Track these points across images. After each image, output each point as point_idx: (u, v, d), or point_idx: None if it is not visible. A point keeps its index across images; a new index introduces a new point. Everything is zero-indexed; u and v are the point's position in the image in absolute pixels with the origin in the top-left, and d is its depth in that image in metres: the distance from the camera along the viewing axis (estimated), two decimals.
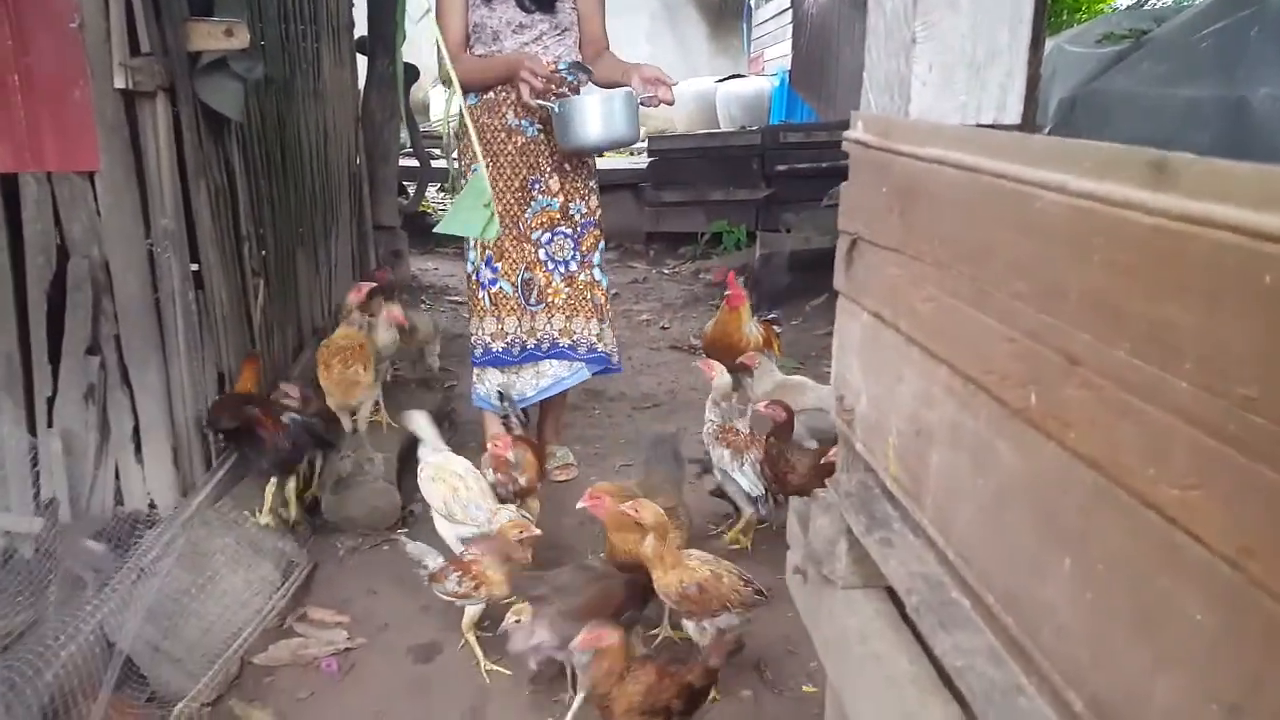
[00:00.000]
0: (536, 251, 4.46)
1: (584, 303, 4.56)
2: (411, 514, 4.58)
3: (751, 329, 5.14)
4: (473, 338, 4.59)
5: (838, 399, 2.02)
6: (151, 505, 3.99)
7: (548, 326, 4.54)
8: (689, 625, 3.17)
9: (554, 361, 4.57)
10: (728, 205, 10.33)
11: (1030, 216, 1.29)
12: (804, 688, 3.35)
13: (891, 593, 1.80)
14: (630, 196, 10.79)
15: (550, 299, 4.49)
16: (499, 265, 4.47)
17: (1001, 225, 1.36)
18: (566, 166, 4.45)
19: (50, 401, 3.89)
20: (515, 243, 4.45)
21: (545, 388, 4.60)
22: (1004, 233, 1.35)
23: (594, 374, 4.73)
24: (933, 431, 1.57)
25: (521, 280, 4.47)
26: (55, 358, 3.86)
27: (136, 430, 4.00)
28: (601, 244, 4.65)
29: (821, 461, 3.61)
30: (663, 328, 8.07)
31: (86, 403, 3.95)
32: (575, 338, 4.55)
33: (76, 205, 3.70)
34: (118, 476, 3.98)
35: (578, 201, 4.49)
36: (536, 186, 4.42)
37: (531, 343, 4.53)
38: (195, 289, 4.07)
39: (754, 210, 10.29)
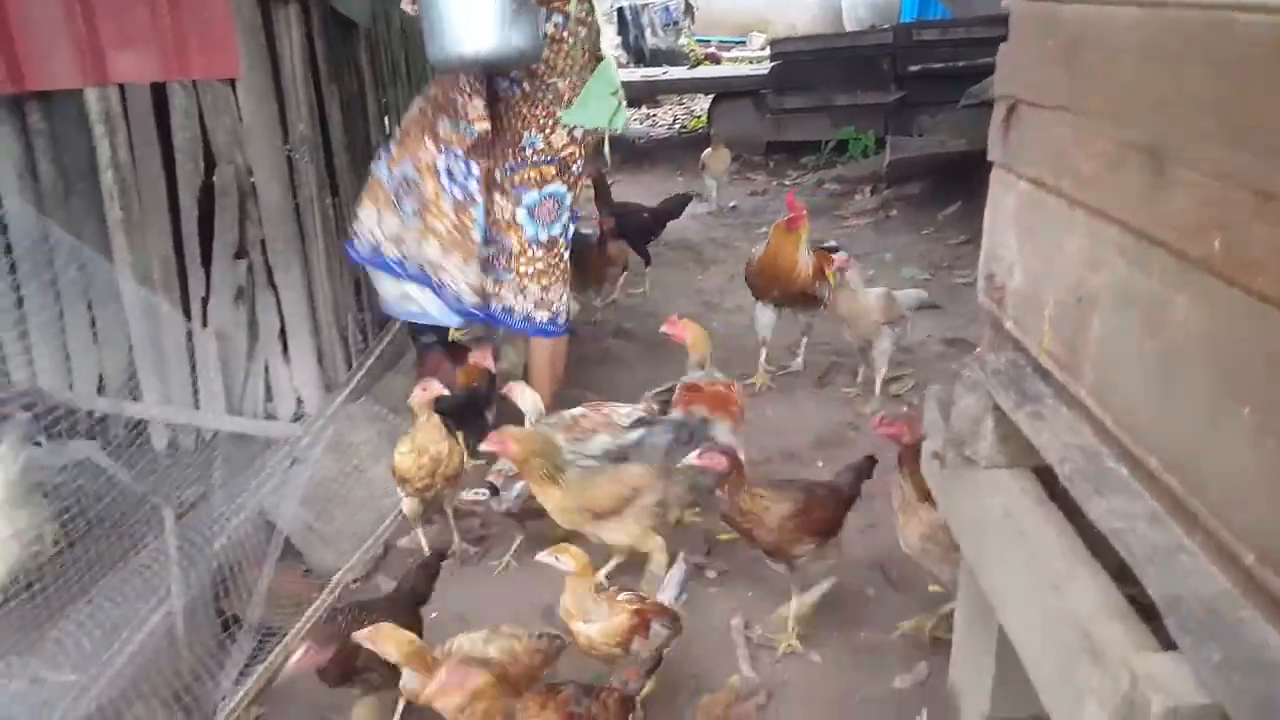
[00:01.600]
0: (435, 160, 3.70)
1: (466, 241, 3.74)
2: None
3: (805, 256, 4.63)
4: (358, 223, 3.84)
5: (987, 278, 1.93)
6: (299, 401, 4.21)
7: (419, 249, 3.78)
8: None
9: (423, 288, 3.84)
10: (855, 110, 9.92)
11: (1224, 45, 1.18)
12: (930, 586, 3.31)
13: (1036, 472, 1.74)
14: (749, 104, 10.49)
15: (429, 219, 3.74)
16: (392, 148, 3.79)
17: (1189, 60, 1.24)
18: (518, 89, 3.69)
19: (204, 303, 4.13)
20: (417, 138, 3.73)
21: (410, 312, 3.94)
22: (1191, 68, 1.24)
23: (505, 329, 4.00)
24: (1096, 297, 1.48)
25: (402, 175, 3.73)
26: (206, 261, 4.08)
27: (283, 331, 4.20)
28: (556, 191, 3.81)
29: (797, 511, 2.86)
30: (731, 207, 7.91)
31: (236, 304, 4.17)
32: (443, 275, 3.78)
33: (220, 112, 3.85)
34: (267, 373, 4.21)
35: (533, 132, 3.72)
36: (455, 105, 3.67)
37: (402, 258, 3.82)
38: (331, 195, 4.20)
39: (883, 115, 9.86)
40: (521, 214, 3.77)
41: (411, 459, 3.29)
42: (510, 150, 3.75)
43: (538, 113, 3.69)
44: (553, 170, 3.76)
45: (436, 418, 3.36)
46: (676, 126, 13.11)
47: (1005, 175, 1.88)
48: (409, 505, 3.44)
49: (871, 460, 3.14)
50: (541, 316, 3.92)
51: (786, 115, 10.43)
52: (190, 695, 2.66)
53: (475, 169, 3.68)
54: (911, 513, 2.72)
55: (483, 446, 3.07)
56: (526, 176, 3.75)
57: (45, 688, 2.21)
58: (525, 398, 3.64)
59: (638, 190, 9.84)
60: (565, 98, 3.68)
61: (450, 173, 3.69)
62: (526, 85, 3.68)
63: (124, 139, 3.81)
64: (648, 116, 13.80)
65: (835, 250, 4.88)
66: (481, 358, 3.97)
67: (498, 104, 3.72)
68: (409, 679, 2.29)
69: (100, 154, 3.78)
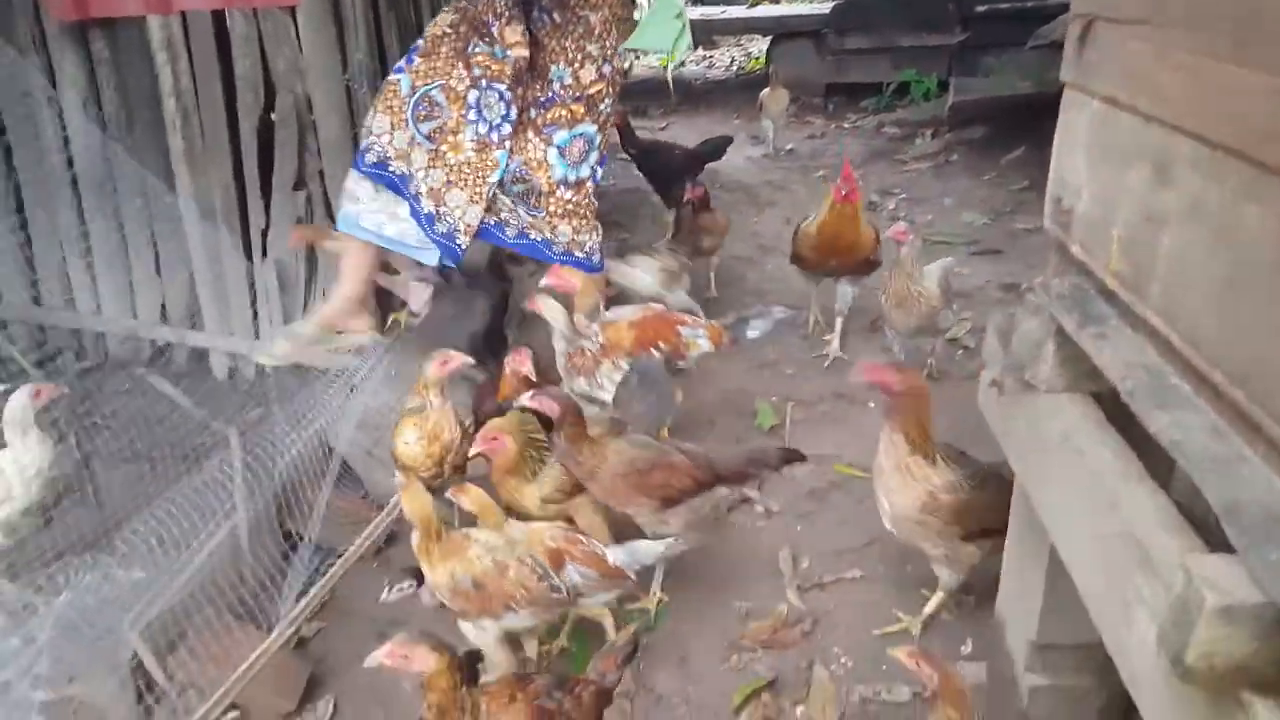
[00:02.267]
0: (468, 93, 3.51)
1: (479, 181, 3.56)
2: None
3: (866, 226, 4.32)
4: (368, 133, 3.59)
5: (1054, 201, 1.89)
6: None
7: (424, 174, 3.56)
8: (465, 626, 2.50)
9: (411, 216, 3.63)
10: (917, 52, 9.64)
11: None
12: None
13: (1096, 397, 1.72)
14: (809, 45, 10.25)
15: (443, 148, 3.55)
16: (416, 60, 3.55)
17: None
18: (548, 19, 3.57)
19: (263, 234, 4.20)
20: (449, 59, 3.52)
21: (390, 238, 3.67)
22: None
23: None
24: (1166, 214, 1.44)
25: (426, 94, 3.53)
26: (266, 192, 4.15)
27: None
28: (586, 131, 3.63)
29: (633, 471, 2.68)
30: (787, 150, 7.78)
31: None
32: (440, 208, 3.59)
33: (280, 41, 3.88)
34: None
35: (561, 66, 3.58)
36: (490, 29, 3.54)
37: (408, 175, 3.59)
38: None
39: (947, 57, 9.56)
40: (552, 154, 3.62)
41: (420, 448, 2.93)
42: (540, 84, 3.60)
43: (567, 45, 3.55)
44: (582, 109, 3.60)
45: (449, 402, 3.02)
46: (734, 69, 12.89)
47: (1078, 96, 1.83)
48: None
49: (787, 455, 2.86)
50: (578, 253, 3.80)
51: (847, 56, 10.17)
52: (254, 605, 2.77)
53: (513, 110, 3.53)
54: (906, 475, 2.38)
55: (473, 450, 2.81)
56: (558, 115, 3.60)
57: (116, 583, 2.33)
58: (550, 308, 3.49)
59: (693, 133, 9.73)
60: (596, 32, 3.56)
61: (480, 108, 3.52)
62: (557, 16, 3.55)
63: (185, 67, 3.87)
64: (704, 58, 13.58)
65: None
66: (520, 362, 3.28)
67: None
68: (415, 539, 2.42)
69: (163, 82, 3.84)
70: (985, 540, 2.46)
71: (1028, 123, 7.48)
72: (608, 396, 3.41)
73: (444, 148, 3.54)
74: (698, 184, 5.16)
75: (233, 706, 2.53)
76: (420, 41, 3.55)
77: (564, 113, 3.59)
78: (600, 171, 3.77)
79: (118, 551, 2.36)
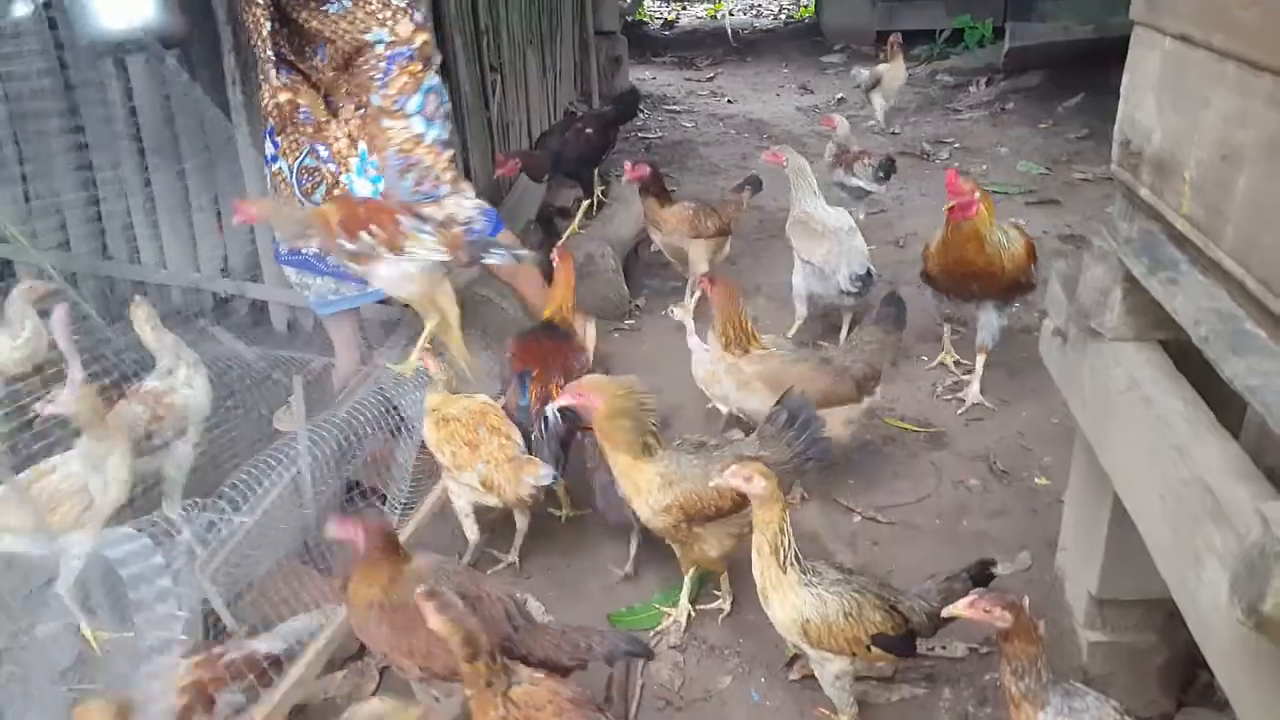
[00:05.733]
0: (332, 140, 3.35)
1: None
2: (637, 308, 4.72)
3: (1002, 239, 3.47)
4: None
5: (1121, 145, 1.84)
6: None
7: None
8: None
9: (340, 280, 3.41)
10: None
11: None
12: (1036, 479, 3.27)
13: (1163, 345, 1.69)
14: None
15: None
16: (279, 140, 3.40)
17: None
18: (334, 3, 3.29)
19: None
20: (299, 122, 3.36)
21: (343, 298, 3.48)
22: None
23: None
24: (1243, 154, 1.40)
25: (299, 166, 3.38)
26: None
27: None
28: (433, 85, 3.41)
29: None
30: (892, 133, 7.62)
31: None
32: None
33: None
34: None
35: (375, 29, 3.28)
36: (279, 68, 3.34)
37: (321, 251, 3.32)
38: (443, 78, 4.22)
39: (1002, 1, 9.30)
40: (417, 122, 3.35)
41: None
42: (366, 62, 3.30)
43: (371, 6, 3.24)
44: (418, 66, 3.32)
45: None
46: (783, 16, 12.65)
47: (1148, 34, 1.77)
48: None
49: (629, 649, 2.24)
50: (491, 210, 3.60)
51: (899, 3, 9.95)
52: (317, 551, 2.86)
53: (324, 150, 3.34)
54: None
55: (557, 402, 2.61)
56: (401, 85, 3.30)
57: (225, 525, 2.45)
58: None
59: (741, 83, 9.60)
60: None
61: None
62: None
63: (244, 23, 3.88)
64: (752, 6, 13.34)
65: None
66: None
67: (323, 21, 3.28)
68: None
69: (223, 39, 3.87)
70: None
71: (1086, 69, 7.25)
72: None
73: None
74: (638, 162, 4.42)
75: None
76: (269, 122, 3.41)
77: (405, 79, 3.31)
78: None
79: (224, 495, 2.47)
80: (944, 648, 2.54)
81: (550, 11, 6.27)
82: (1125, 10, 1.84)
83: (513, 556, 2.95)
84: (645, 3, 12.04)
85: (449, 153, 3.43)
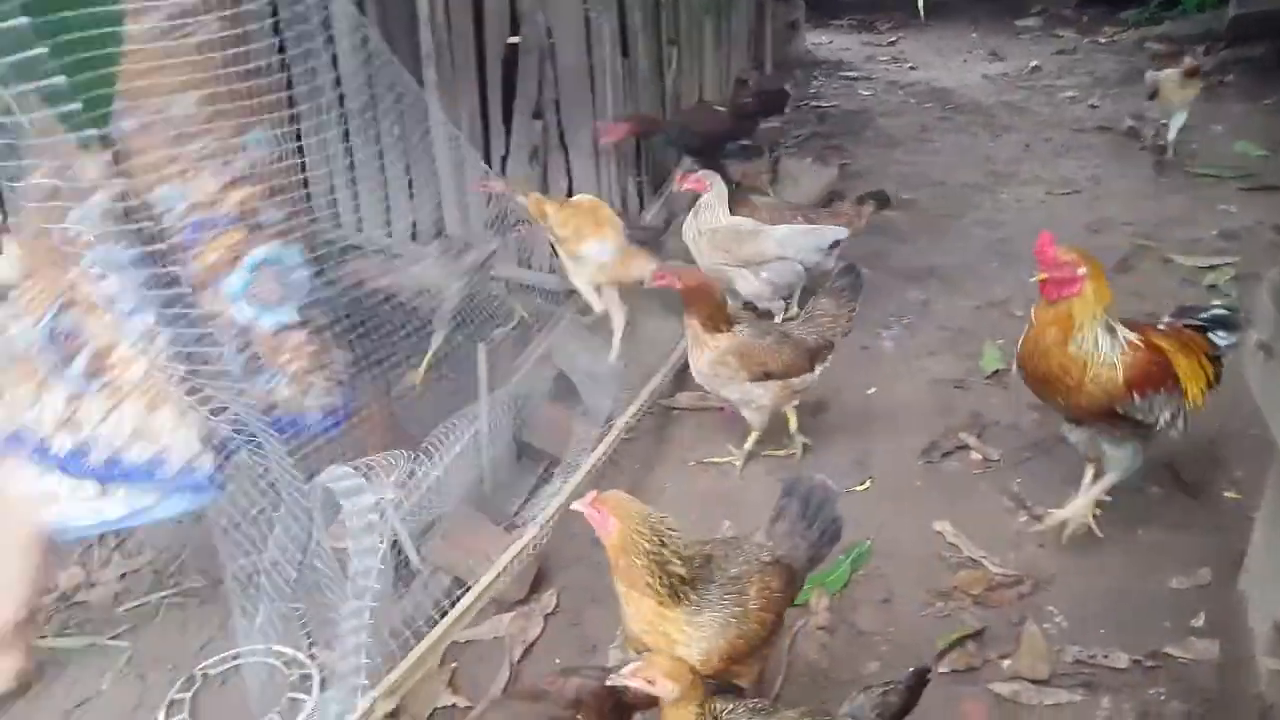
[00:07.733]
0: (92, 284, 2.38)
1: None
2: None
3: (1101, 343, 2.53)
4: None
5: None
6: None
7: (109, 427, 2.41)
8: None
9: (112, 485, 2.46)
10: None
11: None
12: (1225, 493, 3.07)
13: None
14: None
15: (115, 373, 2.40)
16: (18, 301, 2.48)
17: None
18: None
19: (503, 160, 4.45)
20: (48, 254, 2.41)
21: (120, 517, 2.50)
22: None
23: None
24: None
25: (52, 329, 2.42)
26: (508, 120, 4.36)
27: (570, 191, 4.45)
28: (266, 257, 2.55)
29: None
30: (1091, 106, 7.16)
31: (531, 162, 4.46)
32: (152, 448, 2.42)
33: None
34: None
35: (165, 188, 2.38)
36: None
37: (83, 448, 2.41)
38: (622, 55, 4.31)
39: None
40: (242, 309, 2.51)
41: None
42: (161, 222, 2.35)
43: (157, 157, 2.33)
44: (238, 234, 2.48)
45: None
46: None
47: None
48: None
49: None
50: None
51: None
52: (491, 507, 3.07)
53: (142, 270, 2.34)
54: (701, 345, 3.14)
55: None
56: (208, 260, 2.45)
57: (420, 478, 2.70)
58: None
59: (925, 49, 9.21)
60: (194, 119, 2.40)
61: (116, 299, 2.37)
62: (127, 121, 2.28)
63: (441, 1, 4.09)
64: None
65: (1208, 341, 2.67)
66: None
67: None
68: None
69: (420, 14, 4.08)
70: (769, 381, 3.16)
71: None
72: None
73: (115, 372, 2.40)
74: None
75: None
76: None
77: (220, 253, 2.47)
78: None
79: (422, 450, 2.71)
80: (1105, 656, 2.47)
81: None
82: None
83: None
84: None
85: (291, 339, 2.58)
